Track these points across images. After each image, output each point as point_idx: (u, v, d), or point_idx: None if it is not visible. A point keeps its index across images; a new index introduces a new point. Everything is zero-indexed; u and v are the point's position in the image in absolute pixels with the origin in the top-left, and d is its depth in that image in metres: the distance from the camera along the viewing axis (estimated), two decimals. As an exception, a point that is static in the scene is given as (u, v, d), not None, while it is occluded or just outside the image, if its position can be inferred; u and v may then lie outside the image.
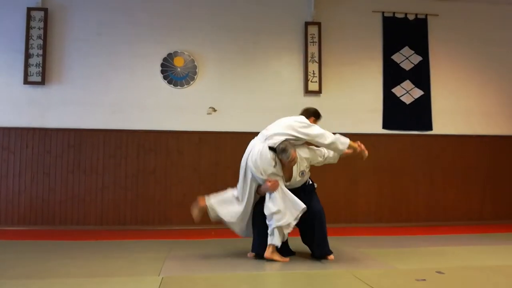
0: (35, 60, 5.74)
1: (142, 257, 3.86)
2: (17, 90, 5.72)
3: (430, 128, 6.41)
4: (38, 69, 5.73)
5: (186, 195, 5.87)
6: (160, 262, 3.61)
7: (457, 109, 6.51)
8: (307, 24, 6.23)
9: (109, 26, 5.96)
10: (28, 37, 5.73)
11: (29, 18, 5.75)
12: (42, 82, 5.72)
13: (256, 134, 5.96)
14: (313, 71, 6.19)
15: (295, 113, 6.07)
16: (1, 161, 5.63)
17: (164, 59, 6.00)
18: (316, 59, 6.20)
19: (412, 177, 6.33)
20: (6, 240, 4.72)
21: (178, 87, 6.02)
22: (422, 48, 6.47)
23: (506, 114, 6.62)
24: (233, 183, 5.90)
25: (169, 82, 6.00)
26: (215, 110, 6.00)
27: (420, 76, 6.43)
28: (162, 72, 6.00)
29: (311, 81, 6.17)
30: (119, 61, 5.96)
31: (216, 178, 5.92)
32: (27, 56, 5.71)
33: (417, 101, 6.40)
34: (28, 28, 5.74)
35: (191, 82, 6.04)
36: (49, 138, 5.73)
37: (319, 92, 6.19)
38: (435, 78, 6.47)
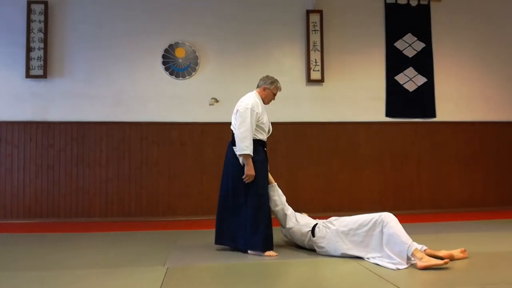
0: (36, 53, 5.73)
1: (147, 248, 3.89)
2: (19, 84, 5.73)
3: (434, 116, 6.38)
4: (40, 62, 5.73)
5: (190, 186, 5.90)
6: (165, 253, 3.64)
7: (461, 96, 6.47)
8: (308, 12, 6.18)
9: (110, 18, 5.93)
10: (29, 30, 5.72)
11: (29, 11, 5.73)
12: (44, 76, 5.72)
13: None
14: (315, 59, 6.15)
15: (297, 102, 6.12)
16: (5, 155, 5.66)
17: (165, 50, 5.98)
18: (318, 47, 6.16)
19: (415, 165, 6.31)
20: (12, 233, 4.77)
21: (180, 78, 6.01)
22: (425, 35, 6.41)
23: (509, 100, 6.57)
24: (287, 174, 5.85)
25: (171, 74, 5.99)
26: (217, 101, 5.99)
27: (423, 63, 6.38)
28: (164, 63, 5.98)
29: (313, 70, 6.14)
30: (120, 53, 5.94)
31: (219, 169, 5.88)
32: (29, 49, 5.71)
33: (420, 88, 6.35)
34: (29, 21, 5.73)
35: (193, 73, 6.03)
36: (52, 132, 5.75)
37: (321, 81, 6.16)
38: (438, 65, 6.42)
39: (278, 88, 3.89)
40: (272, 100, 3.93)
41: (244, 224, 3.58)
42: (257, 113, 3.64)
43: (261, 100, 3.81)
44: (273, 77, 3.88)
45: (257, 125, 3.66)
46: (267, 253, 3.51)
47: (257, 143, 3.64)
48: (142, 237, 4.52)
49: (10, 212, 5.59)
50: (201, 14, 6.08)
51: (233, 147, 3.69)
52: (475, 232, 4.59)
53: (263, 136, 3.75)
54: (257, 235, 3.52)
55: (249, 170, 3.54)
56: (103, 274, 2.99)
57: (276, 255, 3.51)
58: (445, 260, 3.00)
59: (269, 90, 3.84)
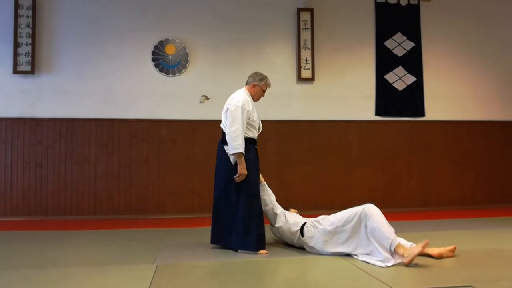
0: (24, 49, 5.66)
1: (137, 246, 3.86)
2: (6, 80, 5.65)
3: (423, 114, 6.43)
4: (28, 58, 5.65)
5: (180, 184, 5.88)
6: (155, 251, 3.62)
7: (450, 95, 6.53)
8: (299, 10, 6.19)
9: (99, 14, 5.87)
10: (16, 25, 5.64)
11: (17, 6, 5.65)
12: (31, 72, 5.65)
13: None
14: (306, 58, 6.16)
15: (288, 100, 6.13)
16: (-8, 152, 5.58)
17: (155, 47, 5.94)
18: (309, 46, 6.17)
19: (405, 163, 6.36)
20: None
21: (170, 75, 5.97)
22: (414, 34, 6.46)
23: (499, 99, 6.65)
24: (279, 172, 5.87)
25: (161, 70, 5.95)
26: (207, 99, 5.97)
27: (413, 62, 6.42)
28: (154, 60, 5.94)
29: (304, 68, 6.15)
30: (110, 49, 5.89)
31: (210, 167, 5.86)
32: (16, 45, 5.63)
33: (409, 87, 6.40)
34: (16, 16, 5.65)
35: (183, 70, 5.99)
36: (40, 128, 5.68)
37: (312, 79, 6.17)
38: (428, 64, 6.47)
39: (268, 85, 3.87)
40: (262, 97, 3.91)
41: (237, 223, 3.56)
42: (248, 110, 3.62)
43: (251, 97, 3.78)
44: (262, 74, 3.87)
45: (248, 123, 3.64)
46: (259, 251, 3.51)
47: (248, 141, 3.62)
48: (132, 235, 4.49)
49: (-4, 210, 5.52)
50: (192, 11, 6.05)
51: (224, 146, 3.66)
52: (465, 230, 4.64)
53: (254, 134, 3.74)
54: (250, 235, 3.51)
55: (242, 169, 3.53)
56: (92, 272, 2.97)
57: (267, 253, 3.51)
58: (425, 242, 3.02)
59: (259, 87, 3.82)
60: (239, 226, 3.55)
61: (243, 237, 3.52)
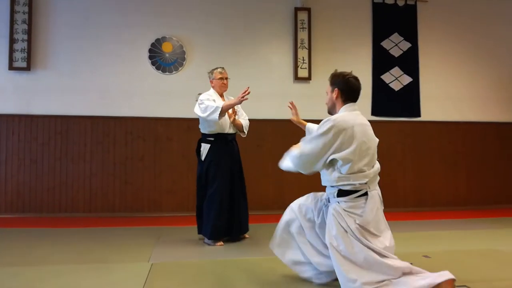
0: (20, 45, 5.62)
1: (132, 244, 3.86)
2: (2, 76, 5.62)
3: (419, 115, 6.45)
4: (23, 54, 5.62)
5: (175, 182, 5.87)
6: (150, 249, 3.62)
7: (446, 96, 6.55)
8: (296, 9, 6.19)
9: (96, 10, 5.85)
10: (12, 21, 5.61)
11: (13, 2, 5.61)
12: (27, 68, 5.62)
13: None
14: (303, 57, 6.17)
15: (284, 100, 6.07)
16: (-13, 149, 5.54)
17: (152, 45, 5.93)
18: (306, 45, 6.17)
19: (400, 164, 6.38)
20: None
21: (167, 73, 5.96)
22: (411, 35, 6.48)
23: (494, 100, 6.69)
24: (274, 171, 5.86)
25: (157, 68, 5.94)
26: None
27: (409, 62, 6.44)
28: (150, 58, 5.92)
29: (300, 68, 6.15)
30: (106, 46, 5.86)
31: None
32: (12, 41, 5.60)
33: (406, 87, 6.42)
34: (12, 12, 5.61)
35: (180, 68, 5.98)
36: (35, 125, 5.65)
37: (308, 78, 6.17)
38: (424, 65, 6.50)
39: (218, 73, 4.08)
40: (224, 83, 4.10)
41: (244, 211, 4.04)
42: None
43: (215, 92, 4.05)
44: (212, 69, 4.13)
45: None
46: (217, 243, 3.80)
47: (216, 136, 3.95)
48: (127, 232, 4.49)
49: (-9, 207, 5.49)
50: (189, 9, 6.04)
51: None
52: (459, 230, 4.68)
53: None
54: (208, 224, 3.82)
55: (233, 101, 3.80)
56: (87, 270, 2.96)
57: (222, 245, 3.76)
58: None
59: (214, 80, 4.09)
60: (245, 213, 4.02)
61: (205, 225, 3.87)
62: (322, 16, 6.29)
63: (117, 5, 5.91)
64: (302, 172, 2.63)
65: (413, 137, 6.43)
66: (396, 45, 6.44)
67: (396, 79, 6.41)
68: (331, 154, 2.45)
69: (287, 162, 2.70)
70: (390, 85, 6.40)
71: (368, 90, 6.37)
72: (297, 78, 6.16)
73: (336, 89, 2.75)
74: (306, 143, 2.58)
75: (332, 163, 2.48)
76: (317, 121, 6.19)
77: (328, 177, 2.52)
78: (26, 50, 5.62)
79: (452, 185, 6.48)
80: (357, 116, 2.60)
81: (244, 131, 4.11)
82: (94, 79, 5.81)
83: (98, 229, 4.69)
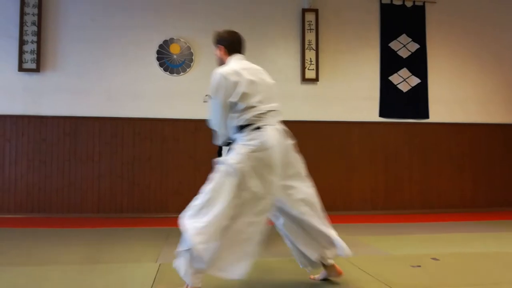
0: (29, 47, 5.67)
1: (139, 244, 3.88)
2: (12, 77, 5.67)
3: (427, 116, 6.42)
4: (33, 56, 5.67)
5: (182, 182, 5.89)
6: (158, 249, 3.64)
7: (454, 97, 6.52)
8: (304, 11, 6.19)
9: (104, 12, 5.89)
10: (22, 23, 5.66)
11: (23, 4, 5.66)
12: (37, 69, 5.67)
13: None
14: (310, 58, 6.16)
15: (292, 101, 6.12)
16: (-3, 149, 5.60)
17: (160, 46, 5.95)
18: (313, 46, 6.17)
19: (407, 165, 6.35)
20: (3, 228, 4.72)
21: (174, 74, 5.99)
22: (419, 36, 6.44)
23: (502, 102, 6.64)
24: None
25: (165, 70, 5.96)
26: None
27: (417, 64, 6.41)
28: (158, 59, 5.95)
29: (308, 69, 6.15)
30: (115, 48, 5.90)
31: (212, 166, 5.91)
32: (22, 42, 5.65)
33: (414, 89, 6.39)
34: (22, 14, 5.66)
35: (187, 70, 6.01)
36: (44, 126, 5.70)
37: (316, 80, 6.17)
38: (432, 66, 6.46)
39: None
40: None
41: None
42: None
43: None
44: None
45: None
46: None
47: None
48: (134, 233, 4.51)
49: (1, 206, 5.53)
50: (196, 11, 6.06)
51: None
52: (465, 232, 4.65)
53: None
54: None
55: None
56: (95, 270, 2.98)
57: None
58: None
59: None
60: None
61: None
62: (329, 17, 6.29)
63: (125, 7, 5.94)
64: (230, 136, 2.77)
65: (420, 138, 6.40)
66: (404, 46, 6.42)
67: (404, 80, 6.39)
68: (231, 99, 2.62)
69: (216, 138, 2.91)
70: (398, 86, 6.38)
71: (376, 91, 6.35)
72: (304, 80, 6.16)
73: (219, 46, 2.97)
74: (210, 110, 2.81)
75: (231, 107, 2.65)
76: (326, 123, 6.25)
77: (231, 122, 2.68)
78: (35, 52, 5.67)
79: (458, 187, 6.43)
80: (245, 62, 2.83)
81: None
82: (103, 80, 5.85)
83: (106, 230, 4.72)
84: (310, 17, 6.19)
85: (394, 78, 6.37)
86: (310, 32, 6.19)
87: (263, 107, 2.63)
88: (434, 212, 6.16)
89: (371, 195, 6.22)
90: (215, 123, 2.78)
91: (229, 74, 2.63)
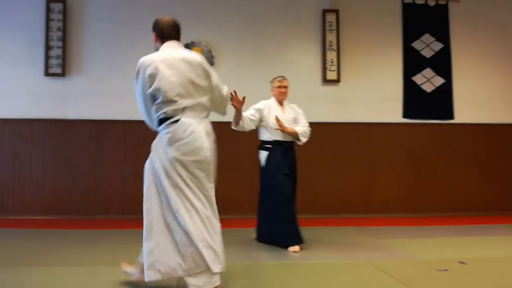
0: (55, 52, 5.80)
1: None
2: (38, 82, 5.81)
3: (452, 117, 6.30)
4: (59, 61, 5.80)
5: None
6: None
7: (480, 97, 6.37)
8: (324, 11, 6.15)
9: (126, 17, 5.97)
10: (48, 29, 5.80)
11: (48, 10, 5.80)
12: (62, 74, 5.80)
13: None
14: (331, 59, 6.12)
15: (313, 103, 6.09)
16: (25, 152, 5.75)
17: (182, 50, 6.01)
18: (334, 47, 6.13)
19: (432, 167, 6.24)
20: (31, 229, 4.84)
21: (196, 77, 6.03)
22: (443, 35, 6.33)
23: (529, 101, 6.46)
24: (250, 174, 5.96)
25: (187, 73, 6.01)
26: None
27: (441, 63, 6.30)
28: (180, 62, 6.00)
29: (329, 70, 6.11)
30: (138, 51, 5.91)
31: (234, 168, 5.95)
32: (47, 48, 5.78)
33: (438, 89, 6.28)
34: (48, 20, 5.80)
35: (209, 73, 6.04)
36: (70, 130, 5.82)
37: (337, 81, 6.13)
38: (457, 66, 6.34)
39: (276, 81, 4.16)
40: (282, 92, 4.14)
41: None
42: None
43: (274, 101, 4.16)
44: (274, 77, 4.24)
45: (261, 125, 4.15)
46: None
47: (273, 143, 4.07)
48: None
49: (29, 209, 5.67)
50: (217, 14, 6.09)
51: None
52: (493, 236, 4.55)
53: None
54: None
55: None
56: (121, 271, 3.02)
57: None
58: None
59: (273, 88, 4.18)
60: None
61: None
62: (350, 18, 6.23)
63: (147, 12, 6.00)
64: (155, 127, 2.75)
65: (445, 140, 6.27)
66: (428, 45, 6.31)
67: (428, 80, 6.29)
68: (148, 91, 2.61)
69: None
70: (422, 86, 6.27)
71: (398, 92, 6.27)
72: (325, 81, 6.12)
73: (153, 34, 2.95)
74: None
75: (151, 98, 2.64)
76: (347, 124, 6.19)
77: (154, 114, 2.67)
78: (61, 57, 5.80)
79: (486, 189, 6.27)
80: (168, 52, 2.72)
81: (300, 138, 4.08)
82: (127, 84, 5.90)
83: (131, 231, 4.77)
84: (330, 17, 6.15)
85: (418, 78, 6.27)
86: (331, 32, 6.15)
87: (182, 102, 2.56)
88: (461, 215, 6.02)
89: (395, 197, 6.13)
90: (140, 112, 2.80)
91: (147, 66, 2.63)
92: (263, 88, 6.06)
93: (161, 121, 2.60)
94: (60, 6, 5.82)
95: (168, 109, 2.56)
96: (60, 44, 5.82)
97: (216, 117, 5.71)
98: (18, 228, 4.91)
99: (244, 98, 3.81)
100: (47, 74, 5.79)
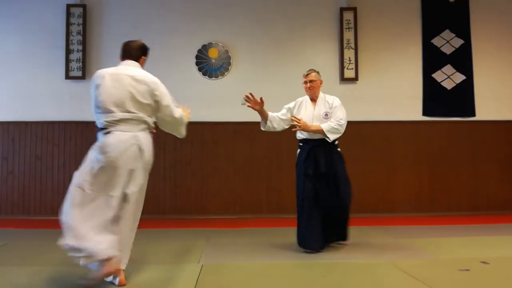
0: (75, 55, 5.92)
1: (182, 245, 3.95)
2: (59, 85, 5.93)
3: (473, 114, 6.17)
4: (79, 64, 5.91)
5: (222, 185, 5.95)
6: (199, 250, 3.69)
7: (502, 94, 6.22)
8: (342, 10, 6.11)
9: (145, 20, 6.05)
10: (68, 33, 5.92)
11: (68, 14, 5.92)
12: (82, 77, 5.91)
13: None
14: (349, 57, 6.07)
15: (330, 101, 6.02)
16: (47, 154, 5.88)
17: (199, 51, 6.05)
18: (352, 45, 6.07)
19: (453, 165, 6.12)
20: (53, 230, 4.93)
21: (213, 78, 6.07)
22: (463, 31, 6.20)
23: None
24: (267, 173, 5.95)
25: (204, 74, 6.05)
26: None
27: (462, 60, 6.18)
28: (197, 63, 6.05)
29: (347, 68, 6.06)
30: (155, 54, 6.00)
31: (251, 169, 5.96)
32: (68, 51, 5.90)
33: (459, 86, 6.16)
34: (68, 24, 5.92)
35: (226, 73, 6.07)
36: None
37: (355, 79, 6.07)
38: (478, 62, 6.20)
39: (303, 76, 3.97)
40: (307, 87, 3.95)
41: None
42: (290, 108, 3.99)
43: (306, 97, 4.00)
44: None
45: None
46: None
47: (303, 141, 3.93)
48: (177, 234, 4.60)
49: (51, 209, 5.79)
50: (233, 14, 6.12)
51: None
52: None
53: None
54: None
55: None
56: (140, 271, 3.06)
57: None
58: None
59: (302, 84, 3.98)
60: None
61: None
62: (368, 15, 6.17)
63: (164, 14, 6.09)
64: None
65: (467, 137, 6.14)
66: (448, 42, 6.19)
67: (448, 77, 6.17)
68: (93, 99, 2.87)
69: None
70: (442, 83, 6.16)
71: (418, 89, 6.17)
72: (343, 79, 6.07)
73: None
74: None
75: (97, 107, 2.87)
76: (366, 123, 6.12)
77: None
78: (81, 60, 5.91)
79: (508, 188, 6.12)
80: (120, 68, 2.99)
81: (327, 135, 3.77)
82: (144, 86, 6.00)
83: (149, 231, 4.83)
84: (348, 15, 6.10)
85: (438, 75, 6.16)
86: (349, 31, 6.10)
87: (118, 114, 2.77)
88: (483, 214, 5.89)
89: (416, 196, 6.04)
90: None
91: (97, 76, 2.90)
92: (280, 87, 6.08)
93: (100, 129, 2.84)
94: (80, 11, 5.94)
95: (104, 119, 2.78)
96: (80, 47, 5.93)
97: (233, 117, 5.70)
98: (40, 228, 5.02)
99: (261, 98, 3.75)
100: (67, 77, 5.91)
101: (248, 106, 3.82)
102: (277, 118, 3.92)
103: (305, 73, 3.95)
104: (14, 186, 5.87)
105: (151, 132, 3.04)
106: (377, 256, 3.49)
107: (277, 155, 5.91)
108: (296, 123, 3.76)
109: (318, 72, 3.96)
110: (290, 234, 3.93)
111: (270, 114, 3.92)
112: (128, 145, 2.78)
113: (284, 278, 2.92)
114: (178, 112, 3.11)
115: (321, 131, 3.76)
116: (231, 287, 2.70)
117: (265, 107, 3.91)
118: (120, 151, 2.75)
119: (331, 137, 3.79)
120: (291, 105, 3.96)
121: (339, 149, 3.95)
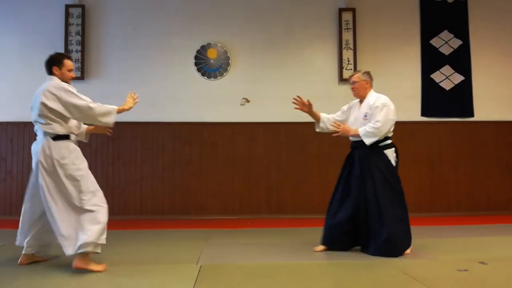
0: (74, 56, 5.91)
1: (181, 246, 3.95)
2: (58, 86, 5.92)
3: (472, 115, 6.18)
4: (78, 64, 5.90)
5: (221, 185, 5.95)
6: (198, 251, 3.68)
7: (500, 94, 6.23)
8: (341, 10, 6.12)
9: (144, 21, 6.06)
10: (67, 33, 5.92)
11: (67, 15, 5.92)
12: (81, 77, 5.90)
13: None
14: (348, 58, 6.08)
15: (329, 102, 6.02)
16: (46, 154, 5.86)
17: (198, 51, 6.06)
18: (351, 46, 6.08)
19: (452, 166, 6.13)
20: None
21: (212, 78, 6.07)
22: (462, 32, 6.22)
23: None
24: (267, 174, 5.96)
25: (203, 74, 6.06)
26: (248, 101, 6.01)
27: (461, 60, 6.19)
28: (196, 64, 6.05)
29: (345, 69, 6.07)
30: (154, 54, 6.06)
31: (250, 169, 5.96)
32: (67, 52, 5.89)
33: (457, 86, 6.17)
34: (67, 25, 5.92)
35: (224, 74, 6.07)
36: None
37: (354, 80, 6.07)
38: (476, 63, 6.22)
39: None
40: (351, 88, 3.84)
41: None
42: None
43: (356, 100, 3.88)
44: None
45: None
46: None
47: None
48: (175, 235, 4.59)
49: (49, 209, 5.79)
50: (232, 15, 6.12)
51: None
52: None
53: None
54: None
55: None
56: (138, 271, 3.05)
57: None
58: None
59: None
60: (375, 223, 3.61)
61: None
62: (367, 16, 6.18)
63: (163, 15, 6.09)
64: None
65: (466, 137, 6.15)
66: (446, 42, 6.20)
67: (447, 78, 6.18)
68: None
69: None
70: (441, 84, 6.17)
71: (417, 90, 6.18)
72: (342, 80, 6.08)
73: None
74: None
75: None
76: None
77: None
78: (80, 61, 5.91)
79: (507, 188, 6.13)
80: (45, 83, 3.41)
81: (363, 139, 3.63)
82: (143, 86, 5.98)
83: (148, 231, 4.83)
84: (347, 16, 6.11)
85: (436, 76, 6.17)
86: (347, 31, 6.10)
87: (37, 125, 3.31)
88: (482, 214, 5.90)
89: (415, 197, 6.02)
90: None
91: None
92: (278, 88, 6.09)
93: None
94: (79, 11, 5.94)
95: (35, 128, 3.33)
96: (79, 48, 5.93)
97: (232, 117, 5.68)
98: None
99: (308, 100, 3.70)
100: (66, 77, 5.89)
101: (296, 108, 3.73)
102: (331, 120, 3.85)
103: (351, 74, 3.90)
104: (12, 187, 5.86)
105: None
106: (376, 256, 3.48)
107: (277, 155, 5.91)
108: (336, 128, 3.68)
109: (365, 72, 3.82)
110: (290, 234, 3.93)
111: (322, 115, 3.87)
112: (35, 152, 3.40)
113: (283, 278, 2.92)
114: (80, 102, 3.45)
115: (358, 135, 3.64)
116: (230, 287, 2.70)
117: (265, 107, 3.91)
118: (36, 156, 3.44)
119: (367, 141, 3.64)
120: (345, 107, 3.89)
121: (388, 151, 3.86)
